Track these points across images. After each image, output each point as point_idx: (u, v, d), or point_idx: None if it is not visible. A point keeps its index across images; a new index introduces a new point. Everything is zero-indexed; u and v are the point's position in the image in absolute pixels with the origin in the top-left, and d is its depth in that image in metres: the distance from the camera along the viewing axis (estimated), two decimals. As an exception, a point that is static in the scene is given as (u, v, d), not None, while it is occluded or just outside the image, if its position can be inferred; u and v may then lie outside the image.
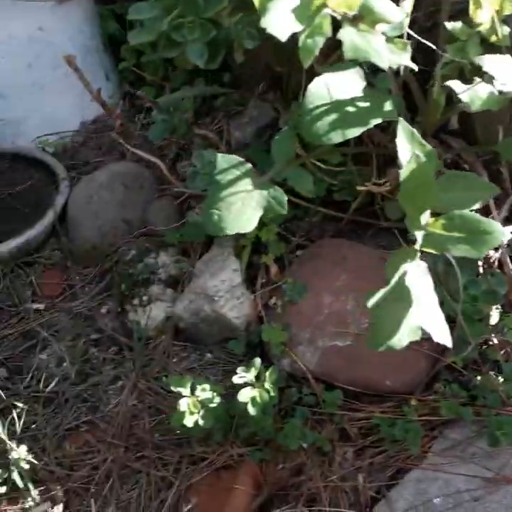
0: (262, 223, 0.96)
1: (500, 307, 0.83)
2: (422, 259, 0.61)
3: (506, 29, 0.68)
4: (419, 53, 0.78)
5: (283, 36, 0.51)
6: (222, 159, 0.80)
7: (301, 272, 0.95)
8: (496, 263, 0.87)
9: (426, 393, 0.82)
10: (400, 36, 0.68)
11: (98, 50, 1.61)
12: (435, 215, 0.60)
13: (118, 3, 1.64)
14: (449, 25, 0.72)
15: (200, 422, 0.77)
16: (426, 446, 0.77)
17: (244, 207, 0.78)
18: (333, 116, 0.72)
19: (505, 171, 0.92)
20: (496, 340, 0.83)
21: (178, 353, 1.07)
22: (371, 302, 0.54)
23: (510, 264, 0.85)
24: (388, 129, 0.90)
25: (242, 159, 0.80)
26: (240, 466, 0.81)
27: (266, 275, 0.97)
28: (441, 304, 0.82)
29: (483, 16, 0.68)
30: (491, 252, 0.87)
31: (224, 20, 0.73)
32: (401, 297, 0.57)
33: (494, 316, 0.83)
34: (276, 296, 0.94)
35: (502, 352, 0.83)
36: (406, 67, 0.78)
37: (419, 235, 0.60)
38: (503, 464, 0.72)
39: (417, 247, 0.59)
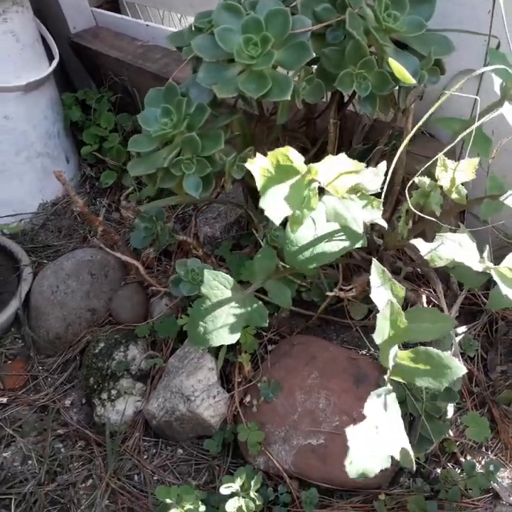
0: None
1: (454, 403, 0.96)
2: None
3: (464, 190, 0.83)
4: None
5: (277, 221, 0.62)
6: (209, 274, 0.89)
7: (273, 371, 1.04)
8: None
9: (392, 487, 0.92)
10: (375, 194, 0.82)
11: (59, 135, 1.69)
12: (403, 345, 0.71)
13: (79, 90, 1.75)
14: (417, 179, 0.86)
15: (185, 530, 0.82)
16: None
17: (228, 320, 0.86)
18: (313, 249, 0.84)
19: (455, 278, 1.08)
20: (452, 434, 0.95)
21: (148, 449, 1.11)
22: (351, 435, 0.64)
23: (462, 362, 0.99)
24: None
25: (227, 275, 0.90)
26: None
27: (240, 374, 1.04)
28: (404, 401, 0.94)
29: (446, 178, 0.83)
30: (443, 352, 1.00)
31: (217, 157, 0.84)
32: (375, 429, 0.67)
33: (450, 411, 0.95)
34: (251, 395, 1.02)
35: (457, 443, 0.95)
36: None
37: (390, 366, 0.71)
38: (463, 555, 0.82)
39: (386, 377, 0.70)
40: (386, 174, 0.77)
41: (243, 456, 0.99)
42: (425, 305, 1.04)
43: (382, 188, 0.82)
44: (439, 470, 0.92)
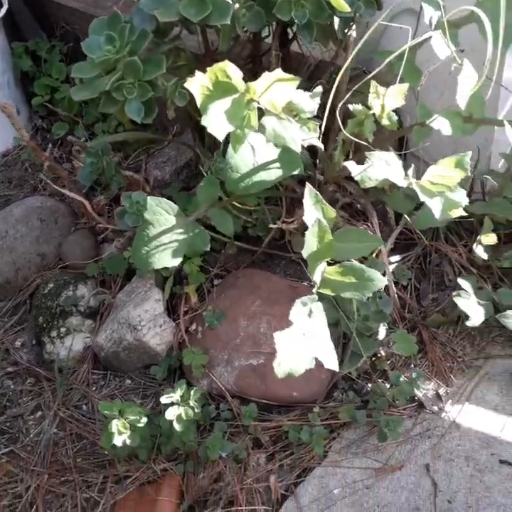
0: (185, 257, 1.10)
1: (386, 324, 1.03)
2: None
3: (395, 117, 0.88)
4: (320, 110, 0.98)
5: (220, 137, 0.66)
6: (152, 201, 0.93)
7: (219, 301, 1.09)
8: (383, 288, 1.07)
9: (327, 401, 0.99)
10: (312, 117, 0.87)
11: (9, 85, 1.68)
12: (332, 262, 0.77)
13: (30, 40, 1.73)
14: (351, 107, 0.92)
15: (128, 442, 0.86)
16: (327, 446, 0.92)
17: (170, 244, 0.91)
18: (253, 174, 0.89)
19: (391, 211, 1.15)
20: (383, 353, 1.03)
21: (97, 381, 1.15)
22: (279, 339, 0.70)
23: (394, 288, 1.06)
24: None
25: (170, 202, 0.94)
26: (163, 480, 0.91)
27: (186, 304, 1.09)
28: (337, 323, 1.01)
29: (377, 104, 0.88)
30: (378, 280, 1.07)
31: (159, 83, 0.88)
32: (301, 333, 0.73)
33: (382, 332, 1.02)
34: (196, 323, 1.07)
35: (388, 362, 1.02)
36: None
37: (317, 280, 0.77)
38: (389, 456, 0.90)
39: (315, 290, 0.76)
40: (324, 107, 0.83)
41: (189, 380, 1.04)
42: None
43: (321, 119, 0.87)
44: (370, 385, 0.99)
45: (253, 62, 1.12)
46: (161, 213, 0.92)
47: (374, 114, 0.89)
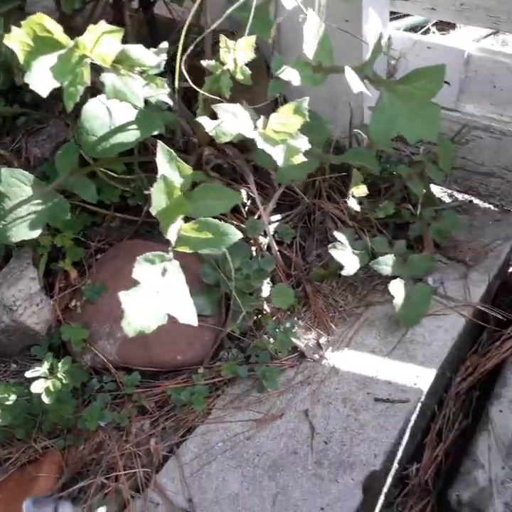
0: (57, 231, 1.06)
1: (270, 282, 1.04)
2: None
3: (248, 71, 0.88)
4: (192, 75, 0.97)
5: (44, 93, 0.63)
6: (6, 172, 0.89)
7: (100, 274, 1.07)
8: (265, 247, 1.08)
9: (213, 362, 0.99)
10: (161, 74, 0.85)
11: None
12: (189, 220, 0.77)
13: None
14: (205, 62, 0.91)
15: (-1, 421, 0.84)
16: (211, 404, 0.93)
17: (28, 216, 0.88)
18: (110, 137, 0.86)
19: (273, 172, 1.16)
20: (268, 309, 1.04)
21: (-20, 367, 1.10)
22: (124, 299, 0.69)
23: (276, 247, 1.07)
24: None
25: (26, 172, 0.90)
26: (44, 457, 0.88)
27: (65, 280, 1.06)
28: (218, 284, 1.01)
29: (229, 58, 0.88)
30: (261, 238, 1.08)
31: (2, 47, 0.84)
32: (153, 292, 0.72)
33: (265, 290, 1.03)
34: (75, 299, 1.04)
35: (274, 318, 1.03)
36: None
37: (172, 238, 0.76)
38: (271, 407, 0.92)
39: (170, 248, 0.75)
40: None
41: (72, 356, 1.01)
42: (245, 200, 1.12)
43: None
44: (255, 342, 1.00)
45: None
46: (17, 185, 0.89)
47: (228, 70, 0.89)
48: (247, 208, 1.09)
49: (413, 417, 0.91)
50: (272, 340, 0.98)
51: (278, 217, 1.12)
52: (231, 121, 0.81)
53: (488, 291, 1.09)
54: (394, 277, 1.01)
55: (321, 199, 1.17)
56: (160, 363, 0.98)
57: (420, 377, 0.93)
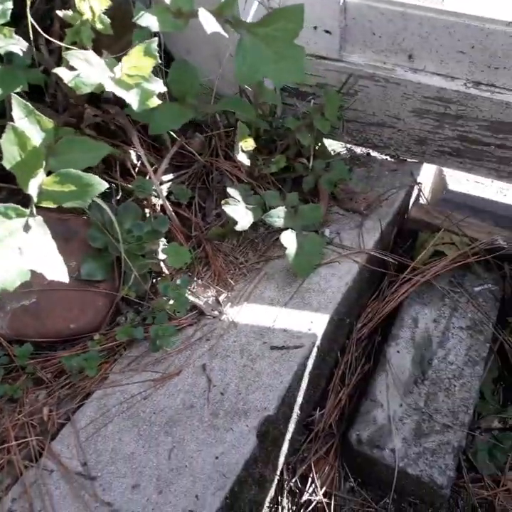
0: None
1: (167, 243, 1.02)
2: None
3: (107, 20, 0.85)
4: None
5: None
6: None
7: None
8: (159, 207, 1.06)
9: (110, 327, 0.97)
10: (7, 24, 0.80)
11: None
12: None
13: None
14: (61, 13, 0.86)
15: None
16: (108, 369, 0.91)
17: None
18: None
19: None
20: (167, 272, 1.02)
21: None
22: None
23: (170, 207, 1.05)
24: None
25: None
26: None
27: None
28: (107, 248, 0.98)
29: (85, 7, 0.84)
30: (154, 199, 1.06)
31: None
32: (15, 248, 0.69)
33: (162, 252, 1.01)
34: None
35: (172, 280, 1.02)
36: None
37: (33, 193, 0.72)
38: (169, 365, 0.91)
39: (32, 203, 0.72)
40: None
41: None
42: (135, 161, 1.09)
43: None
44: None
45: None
46: None
47: (87, 20, 0.85)
48: (137, 169, 1.07)
49: (310, 362, 0.93)
50: (170, 301, 0.97)
51: (170, 176, 1.11)
52: (87, 69, 0.77)
53: (382, 238, 1.12)
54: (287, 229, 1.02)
55: (218, 158, 1.17)
56: (53, 333, 0.95)
57: (314, 323, 0.95)
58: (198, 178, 1.16)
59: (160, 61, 0.82)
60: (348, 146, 1.33)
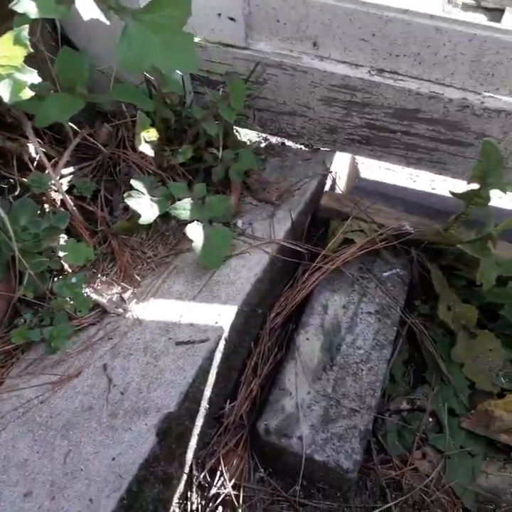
0: None
1: (67, 240, 0.98)
2: None
3: None
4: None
5: None
6: None
7: None
8: (59, 203, 1.02)
9: (7, 330, 0.92)
10: None
11: None
12: None
13: None
14: None
15: None
16: (4, 374, 0.87)
17: None
18: None
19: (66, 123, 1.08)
20: (70, 270, 0.98)
21: None
22: None
23: (71, 202, 1.01)
24: None
25: None
26: None
27: None
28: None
29: None
30: (54, 194, 1.02)
31: None
32: None
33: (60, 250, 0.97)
34: None
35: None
36: None
37: None
38: (68, 367, 0.88)
39: None
40: None
41: None
42: (34, 155, 1.04)
43: None
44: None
45: None
46: None
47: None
48: (36, 163, 1.02)
49: (217, 355, 0.92)
50: (71, 300, 0.94)
51: (71, 169, 1.06)
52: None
53: (293, 227, 1.12)
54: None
55: (126, 149, 1.13)
56: None
57: (222, 316, 0.94)
58: (105, 171, 1.12)
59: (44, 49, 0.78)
60: (264, 135, 1.32)
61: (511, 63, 1.00)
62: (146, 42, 0.75)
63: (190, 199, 0.99)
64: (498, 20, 2.37)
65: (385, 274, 1.14)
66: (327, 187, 1.30)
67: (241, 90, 1.05)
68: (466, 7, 2.41)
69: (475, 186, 1.01)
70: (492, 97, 1.06)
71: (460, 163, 1.17)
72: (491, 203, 1.23)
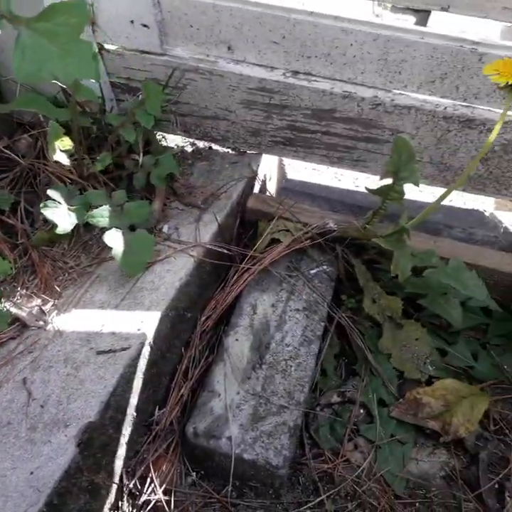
0: None
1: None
2: None
3: None
4: None
5: None
6: None
7: None
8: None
9: None
10: None
11: None
12: None
13: None
14: None
15: None
16: None
17: None
18: None
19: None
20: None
21: None
22: None
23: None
24: None
25: None
26: None
27: None
28: None
29: None
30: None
31: None
32: None
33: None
34: None
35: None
36: None
37: None
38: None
39: None
40: None
41: None
42: None
43: None
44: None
45: None
46: None
47: None
48: None
49: (142, 362, 0.92)
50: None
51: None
52: None
53: (220, 230, 1.13)
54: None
55: (45, 159, 1.11)
56: None
57: (145, 322, 0.94)
58: (24, 182, 1.11)
59: None
60: (191, 140, 1.32)
61: (415, 61, 1.04)
62: (42, 51, 0.74)
63: (108, 206, 0.99)
64: (426, 20, 2.46)
65: (312, 271, 1.16)
66: (257, 189, 1.32)
67: (158, 96, 1.06)
68: (395, 9, 2.49)
69: (389, 181, 1.05)
70: (402, 94, 1.10)
71: (379, 159, 1.21)
72: (414, 197, 1.27)
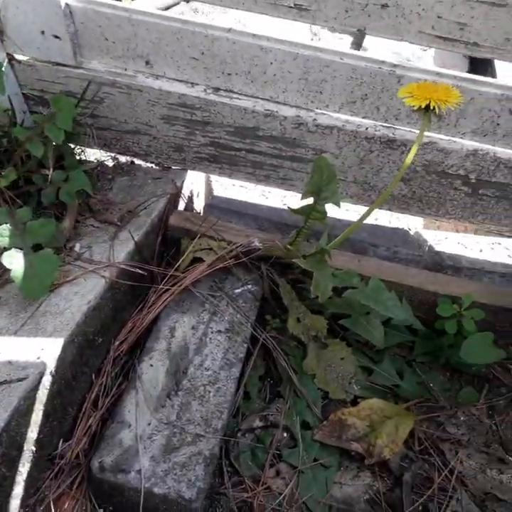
0: None
1: None
2: None
3: None
4: None
5: None
6: None
7: None
8: None
9: None
10: None
11: None
12: None
13: None
14: None
15: None
16: None
17: None
18: None
19: None
20: None
21: None
22: None
23: None
24: None
25: None
26: None
27: None
28: None
29: None
30: None
31: None
32: None
33: None
34: None
35: None
36: None
37: None
38: None
39: None
40: None
41: None
42: None
43: None
44: None
45: None
46: None
47: None
48: None
49: (42, 393, 0.84)
50: None
51: None
52: None
53: (138, 249, 1.07)
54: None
55: None
56: None
57: (45, 350, 0.86)
58: None
59: None
60: (112, 154, 1.27)
61: (335, 81, 1.03)
62: None
63: (8, 225, 0.92)
64: (362, 40, 2.51)
65: (236, 290, 1.13)
66: (182, 206, 1.28)
67: (70, 109, 1.00)
68: (332, 28, 2.53)
69: (311, 201, 1.03)
70: (324, 113, 1.09)
71: (305, 178, 1.19)
72: (340, 216, 1.26)
